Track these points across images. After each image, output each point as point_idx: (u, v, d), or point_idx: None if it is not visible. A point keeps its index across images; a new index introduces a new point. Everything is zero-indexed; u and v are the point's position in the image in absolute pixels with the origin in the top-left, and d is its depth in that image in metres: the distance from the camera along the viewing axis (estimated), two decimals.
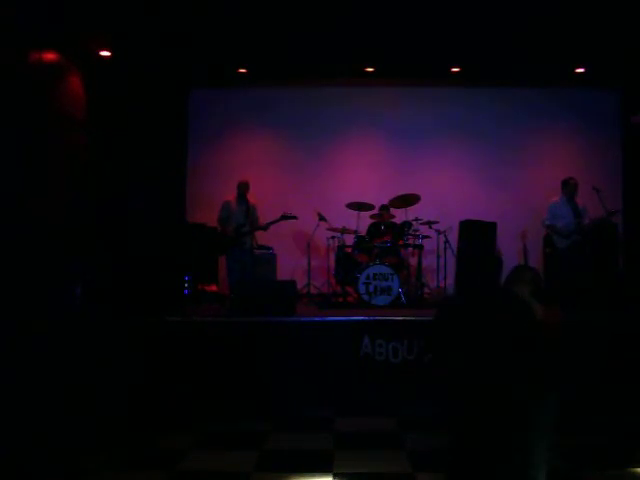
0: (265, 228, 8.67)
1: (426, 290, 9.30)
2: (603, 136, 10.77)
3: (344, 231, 9.06)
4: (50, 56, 7.89)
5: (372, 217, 9.38)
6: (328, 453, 5.25)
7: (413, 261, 9.51)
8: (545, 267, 9.18)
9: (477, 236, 8.93)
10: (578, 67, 9.80)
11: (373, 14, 7.77)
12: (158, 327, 6.69)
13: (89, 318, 6.79)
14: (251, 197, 8.78)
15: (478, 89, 10.76)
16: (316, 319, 7.01)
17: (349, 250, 9.11)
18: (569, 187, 8.43)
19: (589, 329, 6.68)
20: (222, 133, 10.93)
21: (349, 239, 9.23)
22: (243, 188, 8.69)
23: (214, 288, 9.44)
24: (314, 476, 4.76)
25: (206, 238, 9.36)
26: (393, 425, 6.04)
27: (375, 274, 8.19)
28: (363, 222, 9.29)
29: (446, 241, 9.17)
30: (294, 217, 8.58)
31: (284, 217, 8.53)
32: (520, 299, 3.49)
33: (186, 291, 8.56)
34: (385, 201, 9.27)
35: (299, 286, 8.77)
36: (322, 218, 9.28)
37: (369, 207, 9.21)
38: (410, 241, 9.05)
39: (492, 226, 9.12)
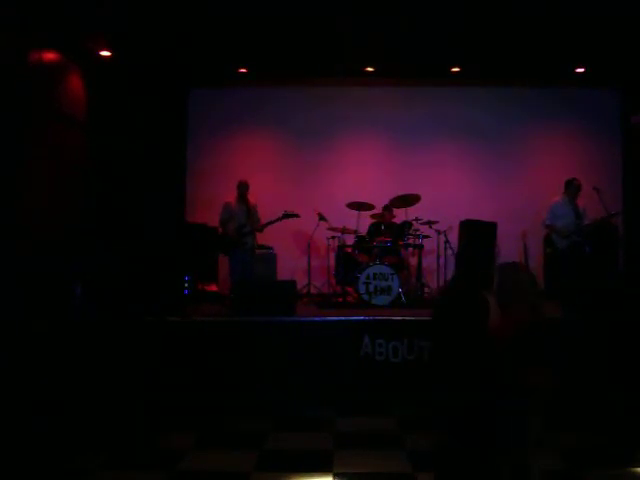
0: (265, 226, 8.66)
1: (426, 290, 9.30)
2: (603, 136, 10.77)
3: (344, 231, 9.06)
4: (50, 56, 7.90)
5: (373, 217, 9.38)
6: (328, 453, 5.24)
7: (413, 261, 9.51)
8: (545, 267, 9.19)
9: (477, 236, 8.93)
10: (578, 67, 9.81)
11: (373, 14, 7.77)
12: (158, 327, 6.69)
13: (89, 318, 6.79)
14: (251, 197, 8.78)
15: (478, 89, 10.76)
16: (316, 319, 7.01)
17: (349, 250, 9.11)
18: (572, 188, 8.43)
19: (589, 329, 6.69)
20: (222, 133, 10.93)
21: (349, 239, 9.24)
22: (243, 188, 8.69)
23: (214, 288, 9.44)
24: (314, 476, 4.76)
25: (206, 238, 9.36)
26: (393, 425, 6.03)
27: (375, 274, 8.19)
28: (363, 222, 9.29)
29: (446, 241, 9.16)
30: (296, 215, 8.56)
31: (286, 215, 8.51)
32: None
33: (186, 291, 8.56)
34: (385, 201, 9.26)
35: (299, 286, 8.77)
36: (322, 218, 9.27)
37: (369, 207, 9.21)
38: (410, 241, 9.05)
39: (492, 226, 9.12)
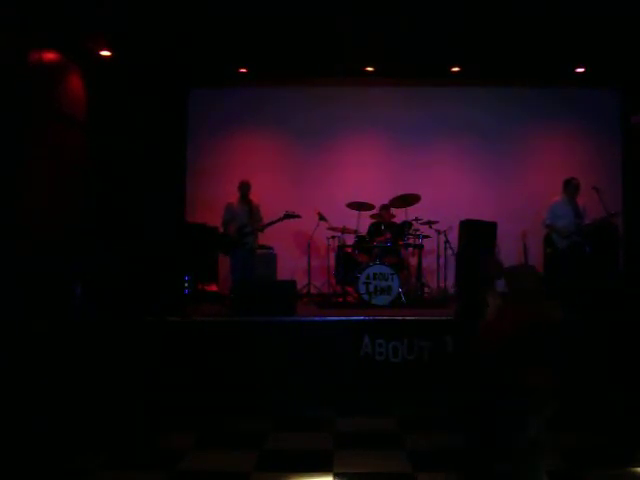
0: (266, 227, 8.68)
1: (426, 290, 9.30)
2: (603, 136, 10.77)
3: (344, 231, 9.06)
4: (50, 56, 7.89)
5: (372, 217, 9.38)
6: (328, 453, 5.25)
7: (413, 261, 9.51)
8: (545, 267, 9.19)
9: (477, 236, 8.94)
10: (578, 67, 9.80)
11: (373, 14, 7.77)
12: (158, 327, 6.69)
13: (89, 318, 6.79)
14: (252, 197, 8.79)
15: (478, 89, 10.76)
16: (316, 319, 7.01)
17: (349, 250, 9.11)
18: (571, 187, 8.41)
19: (589, 329, 6.69)
20: (221, 133, 10.93)
21: (349, 239, 9.24)
22: (245, 188, 8.71)
23: (214, 288, 9.44)
24: (314, 476, 4.76)
25: (206, 238, 9.35)
26: (393, 425, 6.03)
27: (375, 274, 8.19)
28: (363, 222, 9.29)
29: (446, 241, 9.17)
30: (297, 216, 8.58)
31: (287, 216, 8.53)
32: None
33: (186, 291, 8.56)
34: (385, 201, 9.26)
35: (299, 286, 8.77)
36: (322, 218, 9.27)
37: (369, 207, 9.21)
38: (410, 241, 9.04)
39: (492, 226, 9.12)
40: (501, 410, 3.43)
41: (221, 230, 8.85)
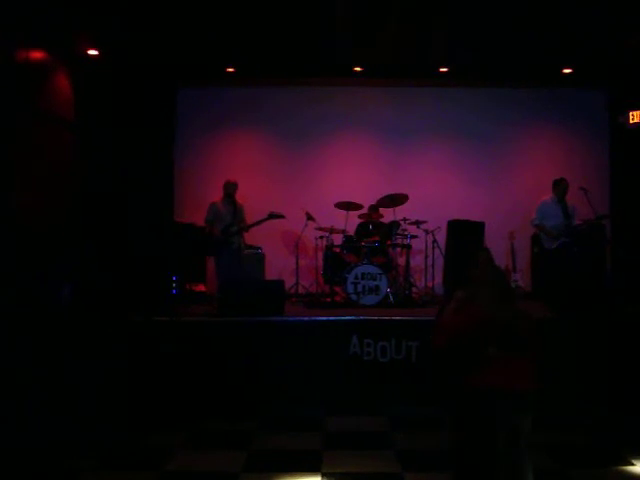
0: (251, 227, 8.66)
1: (414, 290, 9.30)
2: (591, 136, 10.80)
3: (332, 231, 9.05)
4: (37, 55, 7.84)
5: (360, 217, 9.38)
6: (317, 453, 5.26)
7: (401, 261, 9.51)
8: (533, 267, 9.24)
9: (465, 236, 8.96)
10: (565, 68, 9.83)
11: (360, 14, 7.78)
12: (146, 327, 6.67)
13: (77, 317, 6.75)
14: (239, 197, 8.77)
15: (466, 89, 10.77)
16: (304, 319, 7.01)
17: (337, 250, 9.11)
18: (560, 187, 8.45)
19: (575, 329, 6.73)
20: (210, 132, 10.87)
21: (337, 239, 9.24)
22: (231, 188, 8.67)
23: (202, 288, 9.40)
24: (303, 476, 4.77)
25: (194, 238, 9.31)
26: (382, 425, 6.05)
27: (363, 274, 8.20)
28: (351, 222, 9.30)
29: (434, 241, 9.18)
30: (282, 216, 8.56)
31: (272, 216, 8.49)
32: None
33: (174, 291, 8.53)
34: (373, 200, 9.27)
35: (287, 286, 8.74)
36: (310, 217, 9.25)
37: (358, 207, 9.21)
38: (398, 241, 9.06)
39: (480, 226, 9.15)
40: (468, 410, 3.43)
41: (206, 230, 8.82)
